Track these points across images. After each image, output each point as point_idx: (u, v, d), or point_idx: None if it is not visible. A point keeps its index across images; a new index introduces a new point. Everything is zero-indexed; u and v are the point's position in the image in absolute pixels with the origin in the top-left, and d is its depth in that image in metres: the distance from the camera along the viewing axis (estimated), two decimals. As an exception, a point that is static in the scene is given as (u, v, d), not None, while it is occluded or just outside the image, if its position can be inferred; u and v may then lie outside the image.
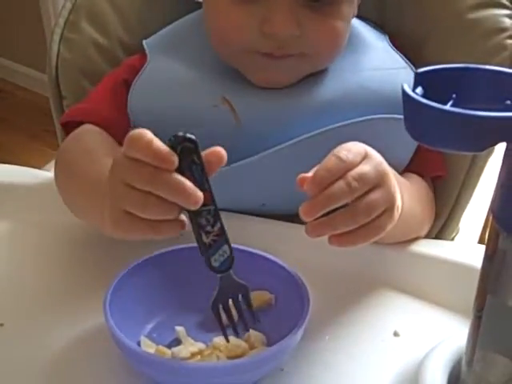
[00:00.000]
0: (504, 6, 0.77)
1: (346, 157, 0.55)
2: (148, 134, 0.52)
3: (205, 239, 0.55)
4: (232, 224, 0.72)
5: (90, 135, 0.74)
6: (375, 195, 0.56)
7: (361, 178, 0.54)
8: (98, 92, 0.79)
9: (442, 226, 0.80)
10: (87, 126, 0.75)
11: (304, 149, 0.68)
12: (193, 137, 0.53)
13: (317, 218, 0.54)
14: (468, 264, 0.65)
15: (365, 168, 0.55)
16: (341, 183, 0.54)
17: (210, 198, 0.55)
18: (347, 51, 0.75)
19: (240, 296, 0.60)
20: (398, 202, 0.59)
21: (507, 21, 0.76)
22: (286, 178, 0.69)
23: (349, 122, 0.69)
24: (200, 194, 0.52)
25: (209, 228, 0.56)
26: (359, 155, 0.56)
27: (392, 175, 0.58)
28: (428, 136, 0.44)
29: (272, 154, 0.69)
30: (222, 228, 0.56)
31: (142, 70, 0.75)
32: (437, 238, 0.80)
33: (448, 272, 0.66)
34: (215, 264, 0.57)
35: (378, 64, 0.75)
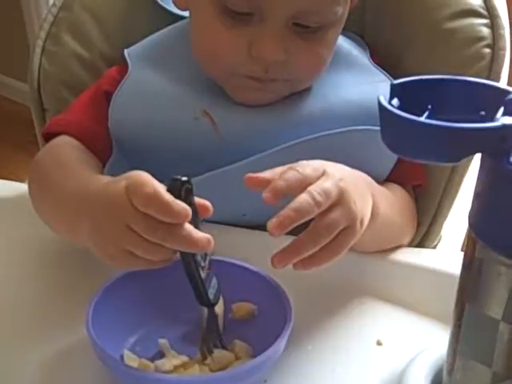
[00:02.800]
0: (481, 16, 0.78)
1: (302, 170, 0.56)
2: (158, 187, 0.52)
3: (202, 275, 0.56)
4: (213, 235, 0.73)
5: (64, 148, 0.74)
6: (335, 214, 0.56)
7: (324, 193, 0.55)
8: (79, 103, 0.80)
9: (423, 235, 0.81)
10: (63, 138, 0.75)
11: (283, 158, 0.68)
12: (187, 178, 0.54)
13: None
14: (450, 272, 0.65)
15: (326, 183, 0.56)
16: (306, 197, 0.54)
17: None
18: (331, 67, 0.75)
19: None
20: (363, 216, 0.59)
21: (484, 30, 0.77)
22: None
23: (328, 132, 0.69)
24: (208, 238, 0.53)
25: (202, 263, 0.56)
26: (317, 171, 0.57)
27: (352, 191, 0.58)
28: (404, 147, 0.45)
29: (251, 162, 0.69)
30: (210, 261, 0.57)
31: (123, 82, 0.75)
32: (419, 246, 0.80)
33: (430, 280, 0.67)
34: (211, 297, 0.57)
35: (358, 78, 0.75)
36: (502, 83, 0.78)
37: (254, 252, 0.66)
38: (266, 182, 0.56)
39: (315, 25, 0.68)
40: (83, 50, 0.85)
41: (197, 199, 0.56)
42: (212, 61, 0.72)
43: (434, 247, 0.84)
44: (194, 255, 0.55)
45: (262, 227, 0.71)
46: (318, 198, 0.54)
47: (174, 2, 0.78)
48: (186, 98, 0.73)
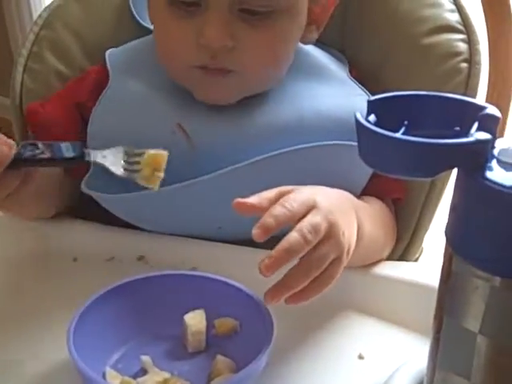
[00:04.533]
0: (458, 31, 0.79)
1: (291, 206, 0.56)
2: None
3: (44, 156, 0.60)
4: (195, 250, 0.73)
5: None
6: (325, 247, 0.57)
7: (314, 230, 0.56)
8: (58, 98, 0.81)
9: (404, 248, 0.81)
10: None
11: (256, 171, 0.69)
12: None
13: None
14: (430, 285, 0.65)
15: (315, 219, 0.57)
16: (296, 236, 0.55)
17: None
18: (303, 78, 0.76)
19: None
20: (350, 244, 0.60)
21: (461, 45, 0.78)
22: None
23: (303, 146, 0.70)
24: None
25: (38, 152, 0.60)
26: (305, 205, 0.57)
27: (341, 222, 0.59)
28: (381, 163, 0.45)
29: (224, 174, 0.69)
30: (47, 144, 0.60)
31: (103, 94, 0.76)
32: (401, 259, 0.81)
33: (411, 293, 0.67)
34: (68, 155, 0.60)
35: (334, 91, 0.76)
36: (479, 97, 0.79)
37: (236, 268, 0.67)
38: (254, 208, 0.56)
39: (262, 9, 0.68)
40: (64, 66, 0.86)
41: None
42: (167, 56, 0.73)
43: (416, 260, 0.84)
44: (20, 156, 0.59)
45: (238, 241, 0.72)
46: (309, 236, 0.55)
47: (149, 18, 0.79)
48: (163, 111, 0.74)
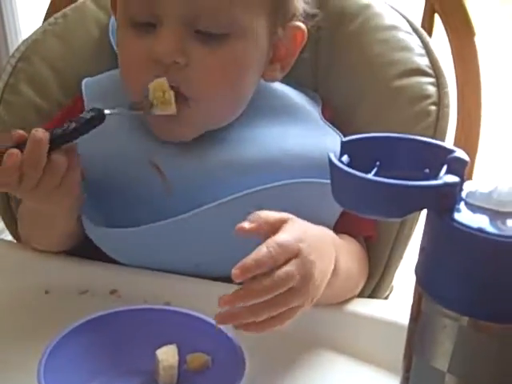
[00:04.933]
0: (427, 74, 0.81)
1: (275, 252, 0.57)
2: None
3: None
4: (168, 284, 0.73)
5: None
6: (290, 297, 0.58)
7: (286, 278, 0.57)
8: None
9: (375, 286, 0.82)
10: None
11: (229, 210, 0.70)
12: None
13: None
14: (401, 323, 0.66)
15: (291, 269, 0.58)
16: (268, 280, 0.56)
17: None
18: (274, 116, 0.77)
19: None
20: (315, 295, 0.61)
21: (430, 88, 0.80)
22: (215, 237, 0.71)
23: (272, 185, 0.71)
24: None
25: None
26: (288, 253, 0.58)
27: (315, 274, 0.60)
28: (353, 203, 0.47)
29: (199, 213, 0.70)
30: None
31: None
32: (371, 297, 0.81)
33: (381, 331, 0.68)
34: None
35: (305, 132, 0.77)
36: (448, 139, 0.81)
37: (209, 303, 0.67)
38: (254, 232, 0.58)
39: (216, 31, 0.69)
40: (40, 99, 0.86)
41: None
42: (128, 81, 0.73)
43: (386, 298, 0.85)
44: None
45: (216, 278, 0.72)
46: (279, 282, 0.57)
47: (115, 47, 0.80)
48: (138, 149, 0.75)
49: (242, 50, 0.71)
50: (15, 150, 0.63)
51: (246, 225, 0.58)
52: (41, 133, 0.64)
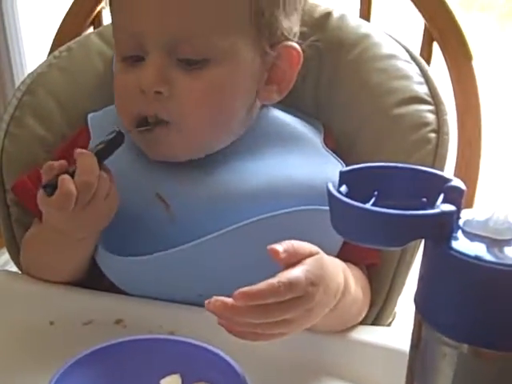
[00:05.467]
0: (426, 102, 0.82)
1: (284, 288, 0.57)
2: None
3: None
4: (172, 314, 0.73)
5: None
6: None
7: (288, 309, 0.58)
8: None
9: (378, 313, 0.82)
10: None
11: (233, 239, 0.70)
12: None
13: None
14: (403, 350, 0.66)
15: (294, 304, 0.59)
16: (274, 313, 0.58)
17: None
18: (276, 144, 0.78)
19: None
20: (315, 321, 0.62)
21: (430, 116, 0.81)
22: (219, 267, 0.71)
23: (275, 213, 0.71)
24: None
25: None
26: (294, 293, 0.58)
27: (313, 316, 0.62)
28: (352, 232, 0.47)
29: (203, 242, 0.71)
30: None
31: None
32: (374, 324, 0.81)
33: (384, 358, 0.68)
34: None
35: (307, 160, 0.78)
36: (448, 167, 0.82)
37: (214, 332, 0.67)
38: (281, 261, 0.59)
39: (197, 57, 0.70)
40: (45, 131, 0.88)
41: None
42: (118, 110, 0.76)
43: (389, 324, 0.85)
44: None
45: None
46: (276, 313, 0.58)
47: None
48: (143, 180, 0.76)
49: (225, 74, 0.71)
50: (66, 176, 0.66)
51: (281, 251, 0.59)
52: (89, 155, 0.68)
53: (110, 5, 0.75)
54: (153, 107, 0.72)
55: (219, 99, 0.73)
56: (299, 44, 0.76)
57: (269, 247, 0.58)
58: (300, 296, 0.59)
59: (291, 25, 0.75)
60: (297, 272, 0.59)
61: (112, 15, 0.75)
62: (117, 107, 0.77)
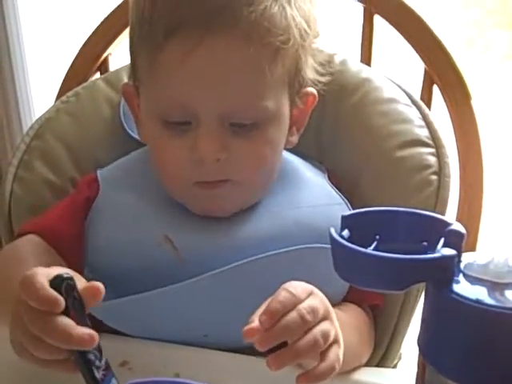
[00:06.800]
0: (428, 145, 0.83)
1: (295, 291, 0.59)
2: (38, 277, 0.55)
3: (97, 375, 0.56)
4: (177, 355, 0.74)
5: (24, 245, 0.78)
6: (326, 325, 0.60)
7: (312, 311, 0.59)
8: (57, 209, 0.83)
9: (383, 354, 0.82)
10: (29, 237, 0.79)
11: (238, 276, 0.71)
12: (70, 275, 0.57)
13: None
14: (408, 391, 0.67)
15: (314, 302, 0.60)
16: (294, 315, 0.58)
17: None
18: (284, 187, 0.79)
19: None
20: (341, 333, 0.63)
21: (431, 158, 0.82)
22: (224, 306, 0.72)
23: (281, 251, 0.72)
24: (93, 333, 0.55)
25: (97, 363, 0.57)
26: (306, 291, 0.61)
27: (332, 310, 0.62)
28: (354, 276, 0.48)
29: (206, 278, 0.71)
30: (106, 361, 0.58)
31: (95, 202, 0.79)
32: (379, 365, 0.81)
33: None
34: None
35: (314, 200, 0.79)
36: (449, 209, 0.83)
37: (219, 374, 0.67)
38: (259, 330, 0.58)
39: (249, 122, 0.72)
40: (53, 175, 0.89)
41: (89, 283, 0.58)
42: (165, 174, 0.76)
43: (395, 366, 0.85)
44: (84, 354, 0.55)
45: (224, 350, 0.73)
46: (307, 316, 0.59)
47: (140, 137, 0.83)
48: (151, 222, 0.77)
49: (274, 131, 0.75)
50: None
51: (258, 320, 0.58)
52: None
53: (151, 69, 0.73)
54: (213, 173, 0.73)
55: (272, 155, 0.75)
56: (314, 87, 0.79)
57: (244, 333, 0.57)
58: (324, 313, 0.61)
59: (310, 70, 0.78)
60: (310, 300, 0.60)
61: (153, 81, 0.73)
62: (163, 177, 0.77)
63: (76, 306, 0.57)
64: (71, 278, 0.57)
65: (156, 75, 0.72)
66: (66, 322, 0.55)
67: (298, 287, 0.60)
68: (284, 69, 0.73)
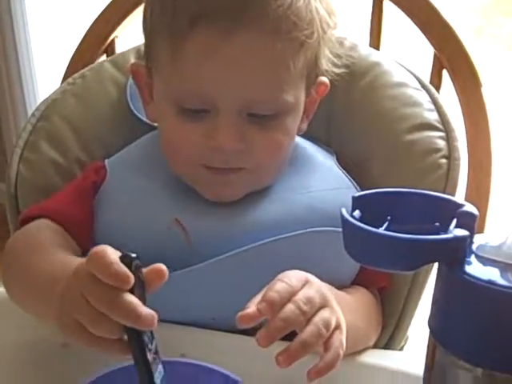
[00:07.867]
0: (437, 129, 0.83)
1: (290, 281, 0.59)
2: (109, 252, 0.54)
3: (149, 357, 0.56)
4: (184, 336, 0.74)
5: (40, 231, 0.77)
6: (326, 313, 0.60)
7: (309, 301, 0.59)
8: (64, 193, 0.82)
9: (390, 336, 0.82)
10: (40, 222, 0.78)
11: (248, 260, 0.71)
12: (136, 255, 0.56)
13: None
14: (416, 374, 0.66)
15: (310, 292, 0.60)
16: (291, 307, 0.58)
17: None
18: (295, 171, 0.79)
19: None
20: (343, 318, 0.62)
21: (440, 142, 0.82)
22: (233, 290, 0.71)
23: (291, 234, 0.72)
24: (153, 315, 0.54)
25: (150, 345, 0.56)
26: (300, 281, 0.61)
27: (331, 296, 0.62)
28: (365, 257, 0.48)
29: (214, 262, 0.71)
30: (156, 345, 0.57)
31: (103, 186, 0.79)
32: (386, 348, 0.81)
33: (397, 382, 0.68)
34: (157, 382, 0.56)
35: (325, 185, 0.79)
36: (459, 191, 0.82)
37: (225, 355, 0.67)
38: (254, 316, 0.58)
39: (268, 113, 0.72)
40: (59, 157, 0.88)
41: (153, 265, 0.57)
42: (175, 154, 0.76)
43: (401, 348, 0.85)
44: (140, 335, 0.55)
45: (233, 332, 0.73)
46: (304, 307, 0.59)
47: (147, 117, 0.83)
48: (160, 206, 0.76)
49: (292, 121, 0.75)
50: None
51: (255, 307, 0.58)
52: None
53: (172, 56, 0.71)
54: (230, 161, 0.73)
55: (287, 144, 0.76)
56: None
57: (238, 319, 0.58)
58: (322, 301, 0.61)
59: (325, 61, 0.78)
60: (306, 290, 0.60)
61: (174, 68, 0.72)
62: (171, 158, 0.77)
63: (140, 287, 0.56)
64: (138, 258, 0.56)
65: (177, 63, 0.71)
66: (133, 299, 0.53)
67: (292, 277, 0.60)
68: (305, 61, 0.73)
